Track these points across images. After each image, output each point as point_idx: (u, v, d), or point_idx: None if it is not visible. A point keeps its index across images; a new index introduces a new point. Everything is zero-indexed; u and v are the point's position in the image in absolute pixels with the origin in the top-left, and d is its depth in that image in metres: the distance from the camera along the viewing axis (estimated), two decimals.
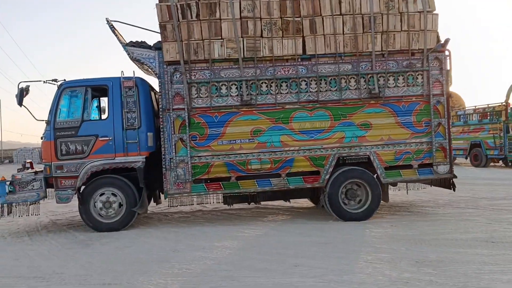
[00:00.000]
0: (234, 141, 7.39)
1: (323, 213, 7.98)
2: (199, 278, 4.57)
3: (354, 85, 7.47)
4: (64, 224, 8.20)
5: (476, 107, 19.55)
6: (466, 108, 20.59)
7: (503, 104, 17.85)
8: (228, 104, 7.39)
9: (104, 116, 8.65)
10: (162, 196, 8.44)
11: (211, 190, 7.44)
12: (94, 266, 5.20)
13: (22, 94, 7.05)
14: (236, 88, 7.39)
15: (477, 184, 11.87)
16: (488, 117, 18.57)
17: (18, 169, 7.94)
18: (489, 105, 18.78)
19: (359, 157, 7.46)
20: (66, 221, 8.54)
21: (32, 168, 8.27)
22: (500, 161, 18.92)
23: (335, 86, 7.44)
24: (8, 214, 7.37)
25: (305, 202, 9.39)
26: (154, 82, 8.29)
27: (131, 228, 7.37)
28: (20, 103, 7.08)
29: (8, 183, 7.22)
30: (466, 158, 19.46)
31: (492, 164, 19.24)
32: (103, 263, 5.34)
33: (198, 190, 7.40)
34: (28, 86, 7.19)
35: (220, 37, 7.32)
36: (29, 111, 7.35)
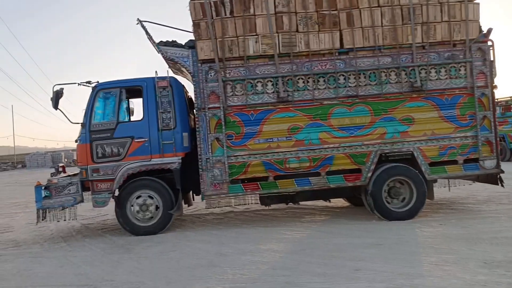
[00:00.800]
0: (271, 139, 7.18)
1: (362, 212, 7.75)
2: (259, 284, 4.36)
3: (395, 79, 7.22)
4: (98, 228, 8.06)
5: (499, 100, 19.08)
6: None
7: None
8: (264, 101, 7.18)
9: (133, 118, 8.53)
10: (190, 197, 8.29)
11: (249, 190, 7.23)
12: (144, 272, 5.02)
13: (58, 96, 6.90)
14: (272, 85, 7.18)
15: (511, 179, 11.52)
16: None
17: (51, 174, 7.79)
18: None
19: (402, 153, 7.19)
20: (99, 225, 8.40)
21: (65, 172, 8.13)
22: None
23: (375, 80, 7.20)
24: (42, 219, 7.24)
25: (339, 202, 9.16)
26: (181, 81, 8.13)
27: (168, 231, 7.19)
28: (55, 106, 6.92)
29: (44, 188, 7.07)
30: None
31: None
32: (152, 269, 5.16)
33: (236, 190, 7.20)
34: (63, 88, 7.03)
35: (254, 34, 7.13)
36: (64, 114, 7.20)
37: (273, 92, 7.16)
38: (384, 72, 7.19)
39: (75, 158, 46.44)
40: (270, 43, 7.10)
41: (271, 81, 7.17)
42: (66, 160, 44.31)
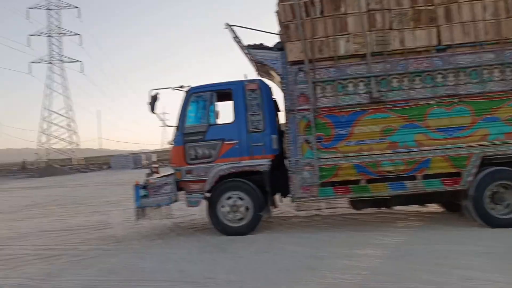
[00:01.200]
0: (363, 142, 6.98)
1: (459, 218, 7.28)
2: None
3: (498, 76, 6.72)
4: (189, 227, 8.33)
5: None
6: None
7: None
8: (356, 102, 7.00)
9: (218, 121, 8.71)
10: (275, 199, 8.27)
11: (340, 194, 7.09)
12: (243, 272, 5.09)
13: (154, 101, 7.25)
14: (364, 85, 6.99)
15: None
16: None
17: (146, 174, 8.18)
18: None
19: (507, 156, 6.66)
20: (189, 224, 8.67)
21: (158, 172, 8.50)
22: None
23: (476, 78, 6.75)
24: (141, 218, 7.61)
25: (432, 207, 8.67)
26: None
27: (257, 233, 7.24)
28: (152, 109, 7.28)
29: (142, 187, 7.44)
30: None
31: None
32: (250, 269, 5.22)
33: (326, 193, 7.08)
34: (158, 93, 7.38)
35: (345, 33, 7.00)
36: (160, 117, 7.55)
37: (365, 92, 6.97)
38: (486, 69, 6.73)
39: (153, 159, 48.98)
40: (362, 42, 6.94)
41: (363, 81, 6.99)
42: (146, 161, 46.67)
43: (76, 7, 64.27)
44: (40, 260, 6.43)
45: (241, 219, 7.23)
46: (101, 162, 55.69)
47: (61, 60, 64.45)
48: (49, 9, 62.99)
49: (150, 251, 6.53)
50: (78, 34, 63.98)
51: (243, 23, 7.55)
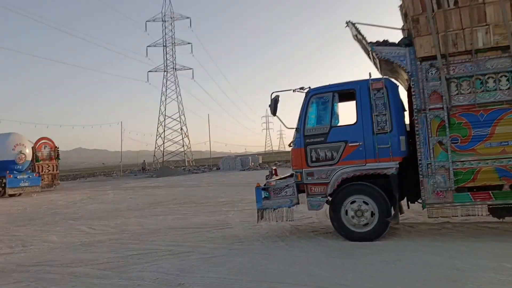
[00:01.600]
0: (506, 143, 6.28)
1: None
2: None
3: None
4: (308, 230, 8.21)
5: None
6: None
7: None
8: (497, 99, 6.34)
9: (339, 122, 8.48)
10: (401, 205, 7.79)
11: (478, 200, 6.44)
12: (376, 280, 4.82)
13: (276, 103, 7.27)
14: (507, 80, 6.31)
15: None
16: None
17: (266, 176, 8.26)
18: None
19: None
20: (307, 227, 8.55)
21: (277, 175, 8.54)
22: None
23: None
24: (261, 219, 7.70)
25: None
26: None
27: (383, 239, 6.87)
28: (274, 112, 7.31)
29: (263, 189, 7.52)
30: None
31: None
32: (384, 277, 4.92)
33: (462, 199, 6.49)
34: (279, 96, 7.38)
35: (484, 24, 6.36)
36: (280, 119, 7.56)
37: (509, 88, 6.27)
38: None
39: (260, 162, 50.12)
40: (504, 33, 6.26)
41: (505, 76, 6.30)
42: (252, 164, 47.93)
43: (188, 18, 68.57)
44: (172, 256, 6.79)
45: (366, 224, 6.91)
46: (210, 164, 58.50)
47: (174, 68, 69.17)
48: (164, 21, 68.07)
49: (275, 252, 6.53)
50: (190, 43, 68.12)
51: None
